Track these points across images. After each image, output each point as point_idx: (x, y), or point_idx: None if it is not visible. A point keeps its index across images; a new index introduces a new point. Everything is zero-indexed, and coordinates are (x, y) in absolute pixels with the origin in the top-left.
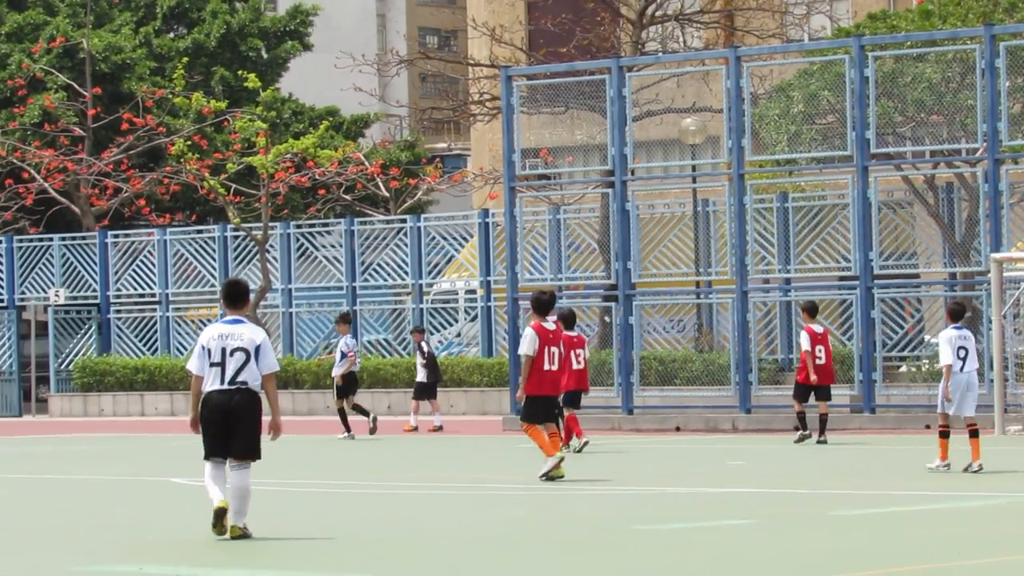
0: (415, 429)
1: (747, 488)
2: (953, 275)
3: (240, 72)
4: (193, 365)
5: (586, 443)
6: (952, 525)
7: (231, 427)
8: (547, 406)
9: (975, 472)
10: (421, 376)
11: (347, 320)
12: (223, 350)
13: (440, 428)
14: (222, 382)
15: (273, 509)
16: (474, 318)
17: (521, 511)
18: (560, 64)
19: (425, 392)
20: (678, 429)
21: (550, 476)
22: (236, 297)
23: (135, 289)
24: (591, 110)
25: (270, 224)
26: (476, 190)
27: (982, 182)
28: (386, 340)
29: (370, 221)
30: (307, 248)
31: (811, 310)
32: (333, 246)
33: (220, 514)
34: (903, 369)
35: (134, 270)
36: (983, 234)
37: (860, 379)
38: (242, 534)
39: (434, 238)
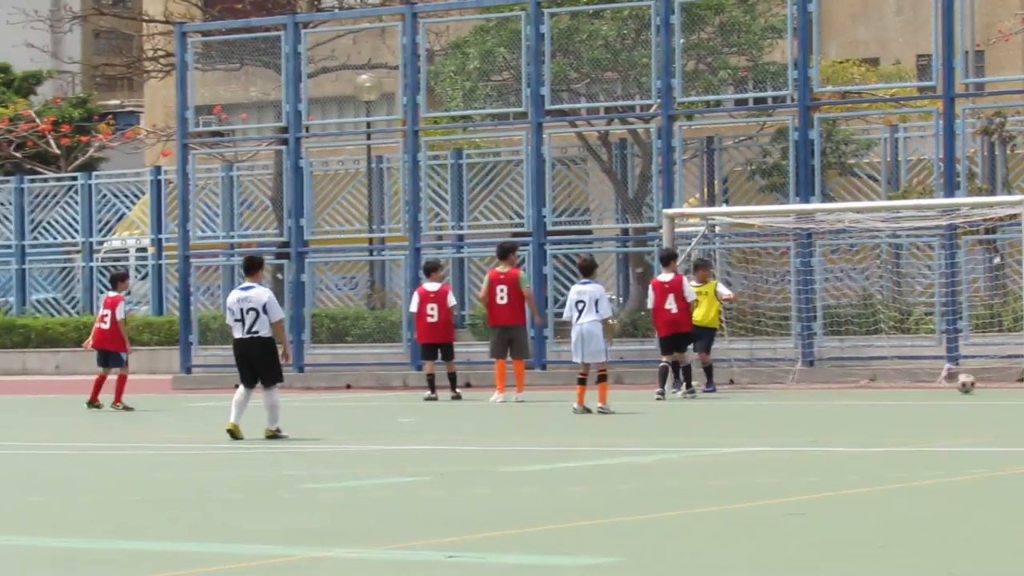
0: None
1: (420, 445)
2: (625, 231)
3: None
4: (228, 319)
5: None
6: (623, 480)
7: (253, 364)
8: None
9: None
10: None
11: None
12: (241, 310)
13: None
14: (243, 332)
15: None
16: (144, 276)
17: (217, 471)
18: (236, 20)
19: None
20: (349, 387)
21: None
22: (250, 268)
23: None
24: (266, 66)
25: None
26: (149, 147)
27: (655, 138)
28: (55, 299)
29: (41, 179)
30: None
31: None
32: (2, 204)
33: (231, 431)
34: None
35: None
36: (655, 190)
37: (533, 336)
38: (275, 434)
39: (105, 196)
